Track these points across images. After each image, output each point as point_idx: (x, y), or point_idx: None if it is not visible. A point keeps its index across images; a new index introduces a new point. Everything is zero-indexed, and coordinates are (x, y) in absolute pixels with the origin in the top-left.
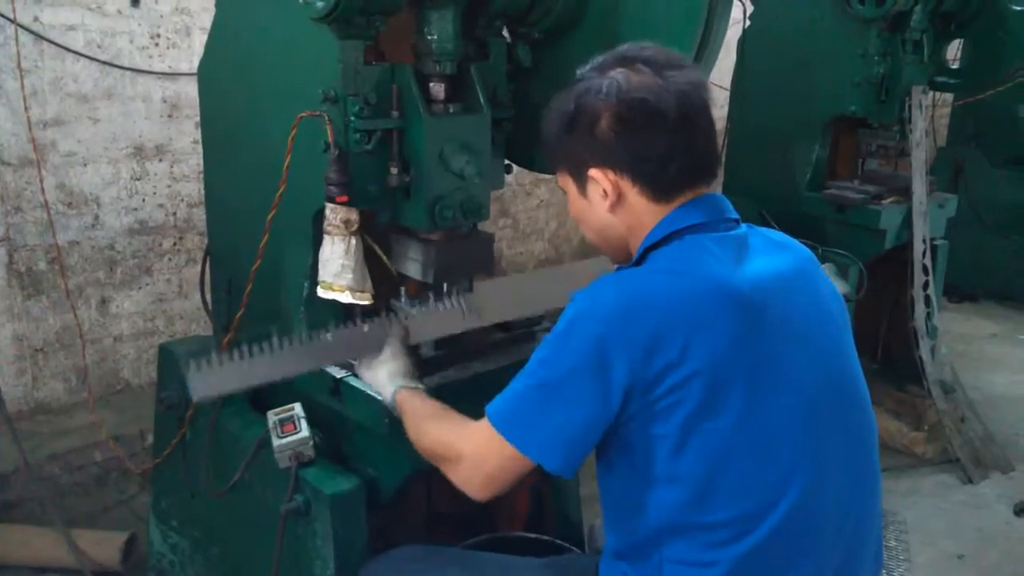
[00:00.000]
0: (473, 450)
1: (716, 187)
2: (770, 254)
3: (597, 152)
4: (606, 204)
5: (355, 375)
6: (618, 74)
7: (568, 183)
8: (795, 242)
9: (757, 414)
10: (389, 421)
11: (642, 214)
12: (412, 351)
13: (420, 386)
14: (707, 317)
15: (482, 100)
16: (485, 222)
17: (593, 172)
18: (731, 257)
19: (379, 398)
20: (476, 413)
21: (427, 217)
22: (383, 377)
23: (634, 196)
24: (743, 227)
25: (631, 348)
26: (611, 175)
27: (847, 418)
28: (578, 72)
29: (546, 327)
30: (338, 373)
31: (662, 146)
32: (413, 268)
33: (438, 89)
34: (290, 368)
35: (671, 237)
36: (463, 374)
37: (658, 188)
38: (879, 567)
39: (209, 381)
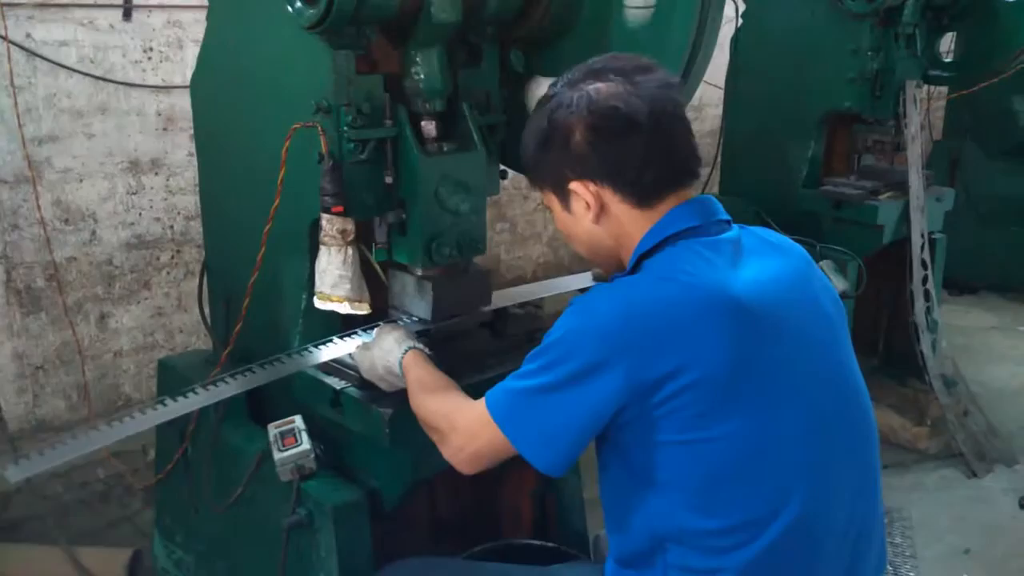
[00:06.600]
0: (466, 427)
1: (712, 187)
2: (765, 256)
3: (575, 165)
4: (590, 216)
5: (354, 385)
6: (588, 86)
7: (552, 200)
8: (790, 241)
9: (759, 422)
10: (390, 431)
11: (627, 222)
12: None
13: (426, 349)
14: (704, 325)
15: (475, 137)
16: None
17: (573, 185)
18: (726, 262)
19: (388, 368)
20: None
21: (423, 255)
22: (390, 343)
23: (616, 205)
24: (735, 228)
25: (628, 357)
26: (591, 186)
27: (849, 422)
28: (549, 89)
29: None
30: (338, 384)
31: (638, 152)
32: (411, 305)
33: (430, 127)
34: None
35: (663, 243)
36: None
37: (639, 194)
38: (882, 567)
39: (24, 467)
